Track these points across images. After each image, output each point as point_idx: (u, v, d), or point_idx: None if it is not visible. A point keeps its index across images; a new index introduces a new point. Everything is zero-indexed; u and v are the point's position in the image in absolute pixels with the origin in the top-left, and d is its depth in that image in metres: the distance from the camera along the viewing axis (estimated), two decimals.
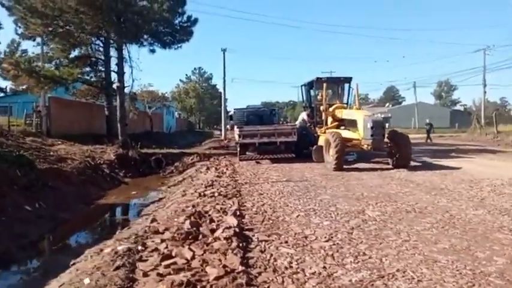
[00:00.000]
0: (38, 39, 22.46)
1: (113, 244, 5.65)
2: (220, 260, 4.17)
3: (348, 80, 14.40)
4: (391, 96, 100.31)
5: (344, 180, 9.39)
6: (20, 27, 20.09)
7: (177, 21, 17.79)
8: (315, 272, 3.74)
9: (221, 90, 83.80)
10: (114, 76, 22.75)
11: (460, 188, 7.82)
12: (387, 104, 69.19)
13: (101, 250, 5.56)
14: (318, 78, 14.30)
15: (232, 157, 17.01)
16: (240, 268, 3.84)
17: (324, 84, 13.44)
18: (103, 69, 23.81)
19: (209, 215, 6.27)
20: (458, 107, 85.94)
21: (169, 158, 19.18)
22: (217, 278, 3.73)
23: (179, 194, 10.02)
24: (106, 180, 14.63)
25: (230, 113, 28.40)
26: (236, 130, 14.25)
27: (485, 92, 39.17)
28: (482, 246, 4.27)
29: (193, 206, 7.30)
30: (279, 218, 5.86)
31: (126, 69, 18.44)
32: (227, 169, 12.44)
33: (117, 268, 4.28)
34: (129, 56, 18.25)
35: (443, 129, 44.44)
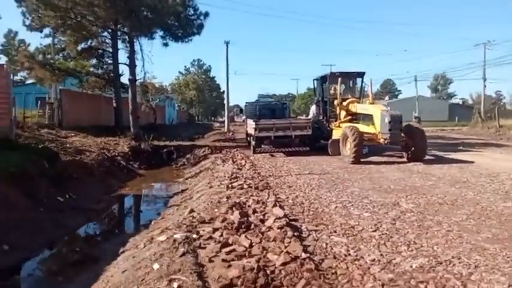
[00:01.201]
0: (46, 31, 22.57)
1: (162, 233, 5.93)
2: (280, 248, 4.47)
3: (361, 74, 14.69)
4: (388, 89, 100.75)
5: (365, 173, 9.72)
6: (28, 18, 20.18)
7: (188, 14, 17.90)
8: (374, 259, 4.05)
9: (219, 82, 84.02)
10: (122, 68, 22.97)
11: (482, 181, 8.17)
12: (386, 97, 69.52)
13: (152, 238, 5.85)
14: (331, 72, 14.59)
15: (244, 150, 17.31)
16: (304, 255, 4.14)
17: (339, 79, 13.71)
18: (110, 61, 23.97)
19: (249, 206, 6.56)
20: (454, 100, 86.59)
21: (181, 150, 19.45)
22: (284, 264, 4.03)
23: (203, 185, 10.30)
24: (123, 172, 14.88)
25: (238, 107, 28.50)
26: (252, 123, 14.50)
27: (485, 86, 39.65)
28: None
29: (228, 198, 7.58)
30: (318, 210, 6.17)
31: (138, 62, 18.54)
32: (245, 162, 12.71)
33: (183, 254, 4.56)
34: (141, 49, 18.40)
35: (443, 122, 44.91)
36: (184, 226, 5.82)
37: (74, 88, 24.26)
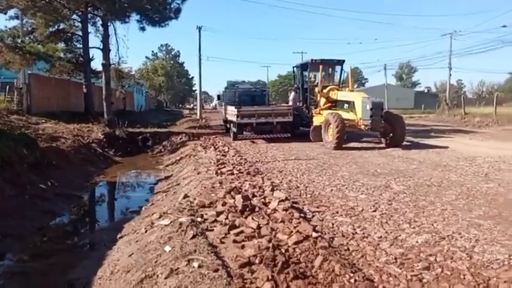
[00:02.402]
0: (11, 13, 21.45)
1: (161, 217, 5.95)
2: (288, 228, 4.62)
3: (341, 62, 14.96)
4: (355, 77, 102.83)
5: (349, 158, 10.02)
6: None
7: None
8: (381, 236, 4.28)
9: (188, 68, 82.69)
10: (92, 53, 22.24)
11: (461, 164, 8.65)
12: (355, 86, 70.87)
13: (152, 223, 5.85)
14: (312, 60, 14.76)
15: (223, 136, 17.33)
16: (315, 234, 4.31)
17: (321, 67, 13.93)
18: (79, 45, 23.14)
19: (246, 191, 6.67)
20: (418, 89, 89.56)
21: (157, 137, 19.20)
22: (297, 243, 4.19)
23: (189, 172, 10.29)
24: (100, 159, 14.55)
25: (207, 94, 28.20)
26: (233, 110, 14.52)
27: (450, 75, 41.24)
28: (511, 212, 4.98)
29: (220, 183, 7.66)
30: (314, 193, 6.36)
31: (111, 46, 18.01)
32: (228, 148, 12.76)
33: (194, 236, 4.61)
34: (115, 33, 17.88)
35: (409, 110, 46.40)
36: (186, 210, 5.87)
37: (40, 73, 23.31)
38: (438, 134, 16.74)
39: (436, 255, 3.69)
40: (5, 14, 21.14)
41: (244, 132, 14.78)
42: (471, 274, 3.30)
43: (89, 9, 18.80)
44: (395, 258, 3.67)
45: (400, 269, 3.47)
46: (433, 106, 43.10)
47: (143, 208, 7.92)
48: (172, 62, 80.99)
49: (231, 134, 15.72)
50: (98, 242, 6.30)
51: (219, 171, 8.91)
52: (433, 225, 4.56)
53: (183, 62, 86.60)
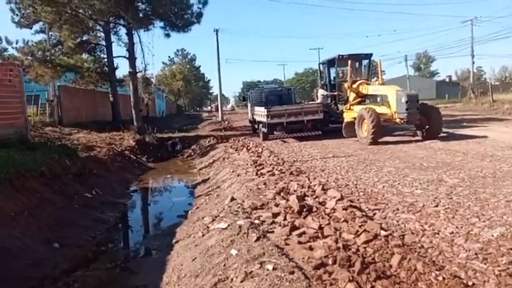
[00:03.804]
0: (36, 27, 22.04)
1: (214, 221, 5.99)
2: (353, 227, 4.57)
3: (368, 56, 14.82)
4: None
5: (389, 153, 9.89)
6: (17, 15, 19.66)
7: (187, 3, 17.68)
8: (452, 231, 4.20)
9: (203, 71, 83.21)
10: (116, 61, 22.66)
11: (508, 154, 8.43)
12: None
13: (207, 227, 5.90)
14: (339, 55, 14.66)
15: (250, 137, 17.37)
16: (384, 232, 4.25)
17: (349, 62, 13.81)
18: (102, 55, 23.58)
19: (295, 191, 6.65)
20: (437, 78, 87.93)
21: (185, 141, 19.44)
22: (367, 242, 4.14)
23: (227, 174, 10.33)
24: (134, 165, 14.81)
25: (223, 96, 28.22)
26: (262, 110, 14.54)
27: (473, 63, 40.30)
28: None
29: (265, 184, 7.68)
30: (366, 190, 6.30)
31: (137, 54, 18.29)
32: (261, 149, 12.76)
33: (258, 239, 4.62)
34: (140, 41, 18.13)
35: (432, 100, 45.48)
36: (241, 213, 5.89)
37: (67, 84, 23.85)
38: (471, 124, 16.38)
39: None
40: (31, 28, 21.80)
41: (274, 132, 14.78)
42: None
43: (112, 19, 19.14)
44: (476, 254, 3.59)
45: (485, 264, 3.39)
46: (456, 95, 42.23)
47: (189, 212, 8.00)
48: (188, 66, 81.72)
49: (261, 135, 15.73)
50: (153, 247, 6.39)
51: (259, 173, 8.92)
52: (503, 217, 4.45)
53: (200, 66, 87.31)
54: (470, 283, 3.12)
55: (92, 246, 6.56)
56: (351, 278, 3.38)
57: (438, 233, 4.19)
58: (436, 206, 5.09)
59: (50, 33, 21.91)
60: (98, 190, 9.72)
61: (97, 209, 8.50)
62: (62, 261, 5.80)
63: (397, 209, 5.12)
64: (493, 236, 3.98)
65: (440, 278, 3.17)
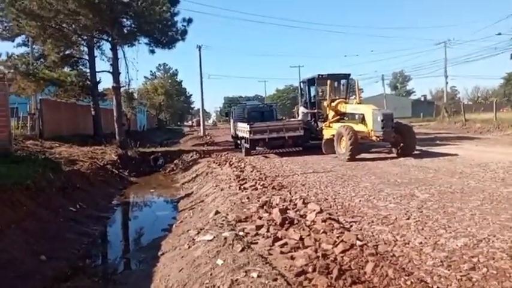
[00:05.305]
0: (18, 40, 22.06)
1: (199, 233, 6.24)
2: (331, 238, 4.91)
3: (347, 76, 15.47)
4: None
5: (366, 169, 10.36)
6: None
7: (172, 21, 18.07)
8: (421, 241, 4.59)
9: (185, 86, 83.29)
10: (99, 76, 22.77)
11: (476, 171, 8.99)
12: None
13: (193, 239, 6.14)
14: (319, 75, 15.25)
15: (232, 152, 17.67)
16: (359, 242, 4.61)
17: (328, 81, 14.38)
18: (85, 69, 23.68)
19: (277, 204, 6.97)
20: (413, 97, 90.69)
21: (168, 156, 19.57)
22: (344, 251, 4.48)
23: (211, 188, 10.58)
24: (116, 180, 14.87)
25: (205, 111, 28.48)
26: (245, 126, 14.90)
27: (447, 83, 41.93)
28: None
29: (248, 198, 7.97)
30: (344, 204, 6.67)
31: (121, 69, 18.50)
32: (244, 164, 13.07)
33: (243, 249, 4.91)
34: (124, 56, 18.36)
35: (407, 118, 46.90)
36: (226, 225, 6.16)
37: (48, 97, 23.73)
38: (443, 142, 17.12)
39: (478, 257, 4.00)
40: (13, 41, 21.79)
41: (256, 148, 15.14)
42: None
43: (96, 33, 19.32)
44: (441, 261, 3.98)
45: (448, 270, 3.77)
46: (431, 114, 43.70)
47: (174, 225, 8.21)
48: (170, 81, 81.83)
49: (243, 150, 16.07)
50: (139, 260, 6.58)
51: (242, 187, 9.21)
52: (467, 229, 4.87)
53: (181, 81, 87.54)
54: (435, 287, 3.48)
55: (78, 259, 6.69)
56: (329, 283, 3.70)
57: (408, 243, 4.57)
58: (408, 218, 5.50)
59: (33, 46, 21.97)
60: (81, 204, 9.81)
61: (82, 222, 8.60)
62: (49, 273, 5.92)
63: (372, 221, 5.50)
64: (457, 245, 4.39)
65: (408, 283, 3.53)
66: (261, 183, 9.08)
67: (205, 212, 8.23)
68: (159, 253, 6.48)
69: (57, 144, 17.66)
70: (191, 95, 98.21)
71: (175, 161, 18.80)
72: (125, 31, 16.52)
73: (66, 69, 23.48)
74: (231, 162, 13.90)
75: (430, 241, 4.58)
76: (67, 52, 21.36)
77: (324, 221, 5.46)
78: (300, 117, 16.66)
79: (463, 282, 3.52)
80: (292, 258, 4.53)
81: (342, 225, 5.33)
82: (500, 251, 4.12)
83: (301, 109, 16.70)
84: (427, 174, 9.04)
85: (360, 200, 6.79)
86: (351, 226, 5.38)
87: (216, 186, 10.38)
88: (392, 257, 4.24)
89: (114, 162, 16.67)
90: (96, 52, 22.32)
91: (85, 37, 20.09)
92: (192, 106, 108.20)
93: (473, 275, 3.63)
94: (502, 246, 4.23)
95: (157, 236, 7.72)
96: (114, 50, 18.08)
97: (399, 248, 4.45)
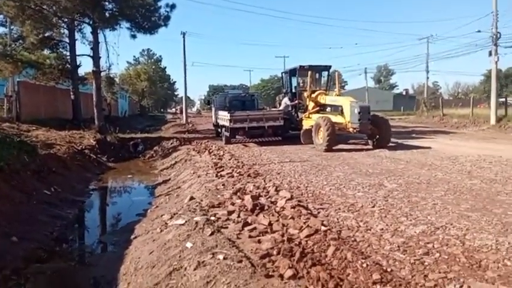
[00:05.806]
0: None
1: (173, 218, 6.34)
2: (298, 223, 5.08)
3: (328, 68, 15.64)
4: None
5: (341, 159, 10.59)
6: None
7: (155, 6, 17.86)
8: (383, 228, 4.80)
9: (169, 73, 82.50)
10: (79, 59, 22.38)
11: (445, 164, 9.30)
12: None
13: (166, 223, 6.25)
14: (300, 66, 15.38)
15: (213, 140, 17.73)
16: (323, 228, 4.79)
17: (309, 72, 14.53)
18: (65, 52, 23.21)
19: (251, 191, 7.11)
20: (396, 91, 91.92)
21: (148, 142, 19.48)
22: (309, 236, 4.66)
23: (188, 175, 10.66)
24: (94, 165, 14.78)
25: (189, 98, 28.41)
26: (226, 115, 14.96)
27: (428, 78, 42.67)
28: (494, 205, 5.58)
29: (223, 185, 8.09)
30: (315, 192, 6.86)
31: (102, 53, 18.24)
32: (223, 152, 13.16)
33: (212, 233, 5.04)
34: (105, 40, 18.10)
35: (389, 112, 47.61)
36: (198, 210, 6.28)
37: (27, 80, 23.24)
38: (420, 135, 17.54)
39: (433, 243, 4.22)
40: None
41: (236, 136, 15.24)
42: (465, 257, 3.83)
43: (77, 16, 18.96)
44: (398, 246, 4.18)
45: (404, 255, 3.98)
46: (412, 108, 44.46)
47: (149, 210, 8.28)
48: (154, 67, 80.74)
49: (223, 138, 16.15)
50: (111, 243, 6.65)
51: (218, 174, 9.32)
52: (427, 217, 5.10)
53: (165, 67, 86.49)
54: (389, 269, 3.67)
55: (50, 240, 6.72)
56: (290, 265, 3.86)
57: (370, 229, 4.77)
58: (373, 206, 5.71)
59: (12, 27, 21.43)
60: (57, 187, 9.76)
61: (56, 205, 8.58)
62: (20, 254, 5.94)
63: (339, 209, 5.70)
64: (415, 232, 4.61)
65: (364, 265, 3.71)
66: (238, 171, 9.19)
67: (181, 197, 8.31)
68: (132, 236, 6.55)
69: (34, 128, 17.39)
70: (175, 82, 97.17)
71: (155, 148, 18.73)
72: (107, 15, 16.26)
73: (46, 52, 23.01)
74: (210, 150, 13.97)
75: (390, 228, 4.79)
76: (47, 34, 20.88)
77: (293, 207, 5.62)
78: (281, 108, 16.79)
79: (416, 265, 3.73)
80: (259, 242, 4.69)
81: (309, 212, 5.51)
82: (455, 238, 4.36)
83: (285, 100, 16.82)
84: (398, 165, 9.31)
85: (331, 189, 6.99)
86: (319, 213, 5.56)
87: (194, 173, 10.46)
88: (353, 241, 4.43)
89: (92, 147, 16.53)
90: (77, 35, 21.90)
91: (65, 20, 19.72)
92: (176, 93, 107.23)
93: (426, 259, 3.84)
94: (457, 234, 4.47)
95: (131, 220, 7.78)
96: (95, 33, 17.81)
97: (361, 234, 4.64)
